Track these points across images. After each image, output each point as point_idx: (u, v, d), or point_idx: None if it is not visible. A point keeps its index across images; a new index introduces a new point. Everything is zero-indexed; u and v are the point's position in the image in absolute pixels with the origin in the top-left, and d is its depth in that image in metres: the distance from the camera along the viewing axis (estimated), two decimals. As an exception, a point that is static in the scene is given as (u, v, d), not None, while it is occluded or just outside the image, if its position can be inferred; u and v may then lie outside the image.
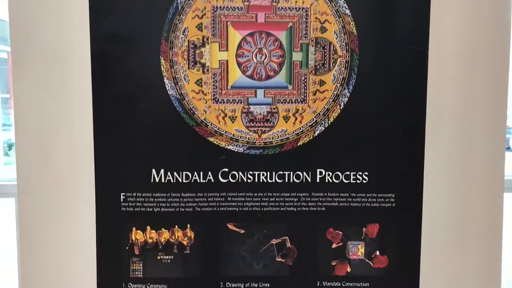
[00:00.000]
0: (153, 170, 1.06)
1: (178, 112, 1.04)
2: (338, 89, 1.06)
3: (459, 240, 1.14)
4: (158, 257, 1.08)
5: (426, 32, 1.04)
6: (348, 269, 1.10)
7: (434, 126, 1.10)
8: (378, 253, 1.10)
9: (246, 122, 1.06)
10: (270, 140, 1.07)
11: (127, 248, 1.08)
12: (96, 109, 1.05)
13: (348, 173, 1.08)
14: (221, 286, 1.09)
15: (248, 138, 1.06)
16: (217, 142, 1.06)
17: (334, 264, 1.10)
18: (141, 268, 1.08)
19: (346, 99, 1.06)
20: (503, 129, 1.16)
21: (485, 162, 1.15)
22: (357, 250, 1.09)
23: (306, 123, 1.06)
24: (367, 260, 1.10)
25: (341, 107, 1.06)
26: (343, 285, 1.10)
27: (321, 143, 1.07)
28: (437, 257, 1.13)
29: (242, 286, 1.09)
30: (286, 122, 1.06)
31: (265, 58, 1.04)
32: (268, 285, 1.10)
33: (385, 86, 1.07)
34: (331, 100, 1.06)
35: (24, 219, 1.16)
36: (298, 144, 1.07)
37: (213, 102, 1.05)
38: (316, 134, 1.07)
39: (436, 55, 1.08)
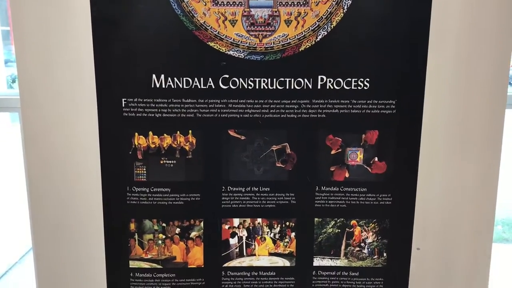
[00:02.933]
0: (153, 76, 1.06)
1: (177, 15, 1.02)
2: (342, -9, 1.02)
3: (459, 147, 1.15)
4: (161, 162, 1.11)
5: None
6: (347, 175, 1.12)
7: (438, 33, 1.08)
8: (376, 159, 1.12)
9: (247, 26, 1.04)
10: (271, 45, 1.05)
11: (130, 152, 1.10)
12: (94, 13, 1.03)
13: (350, 79, 1.07)
14: (223, 190, 1.13)
15: (249, 43, 1.05)
16: (217, 47, 1.05)
17: (332, 169, 1.12)
18: (145, 172, 1.11)
19: (350, 2, 1.02)
20: (509, 45, 1.13)
21: (489, 73, 1.14)
22: (356, 156, 1.11)
23: (308, 28, 1.04)
24: (366, 166, 1.12)
25: (344, 11, 1.03)
26: (341, 190, 1.13)
27: (323, 48, 1.05)
28: (436, 164, 1.15)
29: (243, 190, 1.13)
30: (288, 26, 1.04)
31: (267, -43, 1.00)
32: (268, 189, 1.13)
33: (391, -11, 1.03)
34: (334, 3, 1.03)
35: (28, 131, 1.17)
36: (300, 49, 1.05)
37: (213, 5, 1.02)
38: (318, 39, 1.05)
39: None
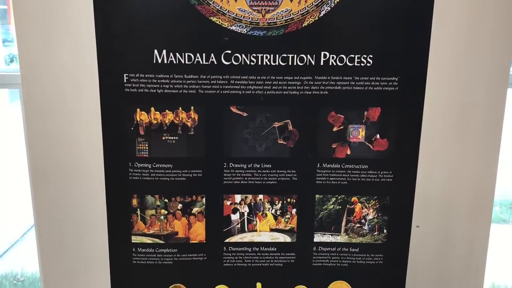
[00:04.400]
0: (155, 51, 1.05)
1: (179, -12, 1.01)
2: (346, -35, 1.01)
3: (461, 126, 1.15)
4: (163, 138, 1.11)
5: None
6: (348, 152, 1.13)
7: (442, 10, 1.07)
8: (378, 136, 1.12)
9: (250, 1, 1.03)
10: (274, 21, 1.04)
11: (132, 128, 1.10)
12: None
13: (353, 56, 1.06)
14: (225, 166, 1.13)
15: (252, 18, 1.04)
16: (219, 22, 1.04)
17: (334, 146, 1.12)
18: (147, 148, 1.11)
19: (354, -24, 1.01)
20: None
21: (492, 52, 1.13)
22: (358, 133, 1.11)
23: (312, 3, 1.03)
24: (367, 143, 1.12)
25: (348, -14, 1.02)
26: (342, 167, 1.13)
27: (326, 24, 1.04)
28: (437, 142, 1.16)
29: (245, 167, 1.13)
30: (291, 1, 1.03)
31: None
32: (270, 166, 1.13)
33: (395, -37, 1.02)
34: (338, -23, 1.02)
35: (29, 107, 1.17)
36: (303, 25, 1.04)
37: (215, -22, 1.01)
38: (321, 15, 1.04)
39: None
